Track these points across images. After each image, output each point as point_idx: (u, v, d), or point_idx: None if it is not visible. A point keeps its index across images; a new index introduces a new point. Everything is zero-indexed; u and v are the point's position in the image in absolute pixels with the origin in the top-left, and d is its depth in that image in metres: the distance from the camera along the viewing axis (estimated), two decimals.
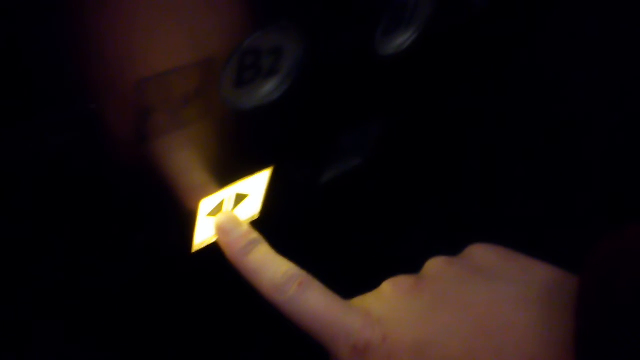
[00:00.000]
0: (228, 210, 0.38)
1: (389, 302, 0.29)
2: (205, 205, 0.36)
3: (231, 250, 0.34)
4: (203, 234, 0.39)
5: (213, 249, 0.38)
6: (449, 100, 0.50)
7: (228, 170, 0.36)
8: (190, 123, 0.29)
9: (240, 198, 0.39)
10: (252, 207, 0.41)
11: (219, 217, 0.37)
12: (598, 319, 0.21)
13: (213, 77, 0.28)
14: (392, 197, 0.55)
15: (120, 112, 0.26)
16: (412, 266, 0.32)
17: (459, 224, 0.59)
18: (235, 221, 0.36)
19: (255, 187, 0.39)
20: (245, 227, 0.36)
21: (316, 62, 0.32)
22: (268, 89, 0.31)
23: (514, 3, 0.46)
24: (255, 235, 0.35)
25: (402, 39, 0.37)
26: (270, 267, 0.32)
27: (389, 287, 0.30)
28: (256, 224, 0.41)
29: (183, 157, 0.31)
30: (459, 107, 0.53)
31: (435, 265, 0.30)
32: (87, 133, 0.25)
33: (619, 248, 0.23)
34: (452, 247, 0.32)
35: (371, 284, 0.31)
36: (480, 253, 0.29)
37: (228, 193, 0.37)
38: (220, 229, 0.36)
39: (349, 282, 0.32)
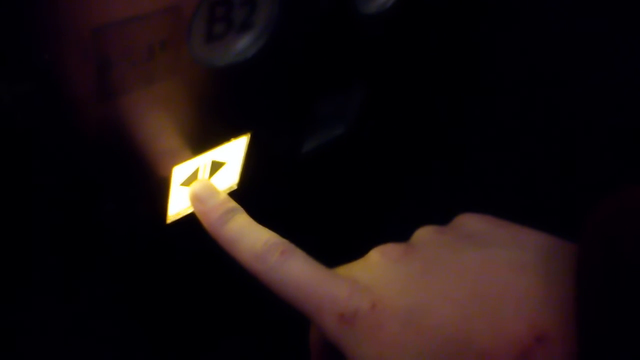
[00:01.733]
0: (204, 179, 0.36)
1: (378, 269, 0.27)
2: (179, 173, 0.34)
3: (208, 219, 0.32)
4: (178, 204, 0.37)
5: (191, 220, 0.37)
6: (438, 66, 0.48)
7: (203, 136, 0.34)
8: (157, 80, 0.27)
9: (216, 166, 0.37)
10: (230, 177, 0.39)
11: (195, 185, 0.35)
12: (603, 281, 0.20)
13: (181, 29, 0.26)
14: (377, 169, 0.53)
15: (78, 65, 0.24)
16: (400, 238, 0.31)
17: (447, 198, 0.58)
18: (211, 189, 0.35)
19: (232, 155, 0.37)
20: (223, 195, 0.34)
21: (293, 17, 0.30)
22: (242, 45, 0.30)
23: None
24: (233, 204, 0.33)
25: None
26: (250, 236, 0.30)
27: (377, 255, 0.28)
28: (234, 195, 0.39)
29: (152, 119, 0.29)
30: (448, 74, 0.51)
31: (425, 233, 0.29)
32: (42, 85, 0.23)
33: (621, 208, 0.21)
34: (441, 221, 0.31)
35: (357, 257, 0.30)
36: (471, 221, 0.28)
37: (203, 160, 0.36)
38: (196, 198, 0.35)
39: (333, 256, 0.31)
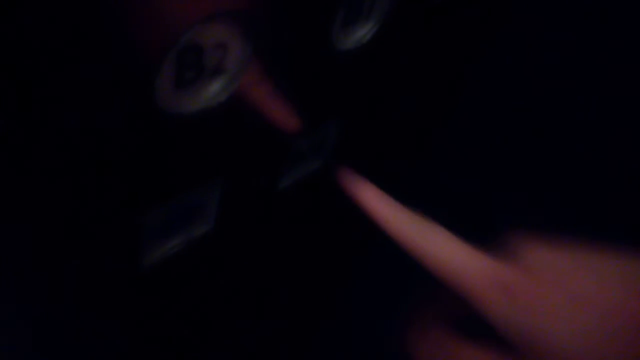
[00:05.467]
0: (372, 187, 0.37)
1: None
2: (151, 220, 0.33)
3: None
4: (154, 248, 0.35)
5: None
6: (417, 98, 0.47)
7: (175, 181, 0.32)
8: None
9: (191, 210, 0.36)
10: (206, 219, 0.37)
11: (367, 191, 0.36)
12: None
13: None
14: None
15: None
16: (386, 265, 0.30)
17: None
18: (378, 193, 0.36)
19: (207, 197, 0.36)
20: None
21: (266, 59, 0.29)
22: (214, 90, 0.28)
23: None
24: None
25: (363, 31, 0.34)
26: None
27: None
28: (211, 237, 0.38)
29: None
30: (428, 106, 0.50)
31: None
32: None
33: None
34: None
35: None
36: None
37: (176, 205, 0.34)
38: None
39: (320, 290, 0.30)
